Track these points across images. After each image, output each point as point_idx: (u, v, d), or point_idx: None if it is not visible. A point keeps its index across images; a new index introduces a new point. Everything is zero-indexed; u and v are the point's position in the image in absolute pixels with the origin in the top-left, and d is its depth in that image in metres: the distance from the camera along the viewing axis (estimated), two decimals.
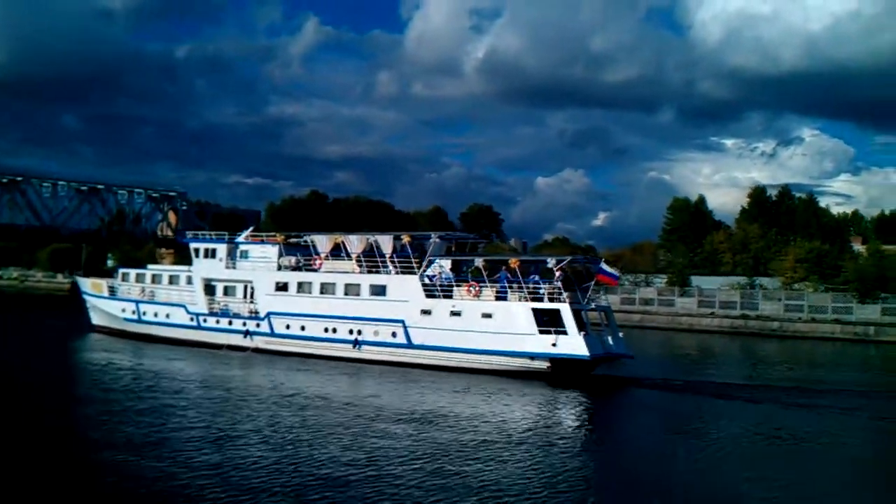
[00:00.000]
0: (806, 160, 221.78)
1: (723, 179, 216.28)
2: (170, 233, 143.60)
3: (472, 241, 45.19)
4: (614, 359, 37.53)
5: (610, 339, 37.55)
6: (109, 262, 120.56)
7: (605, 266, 38.12)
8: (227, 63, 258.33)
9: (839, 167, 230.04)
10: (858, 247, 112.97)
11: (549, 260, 38.53)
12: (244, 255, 46.36)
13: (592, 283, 38.58)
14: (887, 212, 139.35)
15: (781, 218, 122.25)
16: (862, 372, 48.59)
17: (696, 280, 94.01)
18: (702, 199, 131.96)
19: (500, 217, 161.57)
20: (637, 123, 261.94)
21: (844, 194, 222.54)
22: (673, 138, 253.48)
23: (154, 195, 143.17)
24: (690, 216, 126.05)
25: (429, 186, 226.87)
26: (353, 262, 42.22)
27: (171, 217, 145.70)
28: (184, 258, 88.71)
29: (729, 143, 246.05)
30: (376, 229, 46.72)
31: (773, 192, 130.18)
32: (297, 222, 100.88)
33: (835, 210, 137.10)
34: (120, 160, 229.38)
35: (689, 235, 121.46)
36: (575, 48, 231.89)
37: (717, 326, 78.04)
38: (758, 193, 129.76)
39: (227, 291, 46.11)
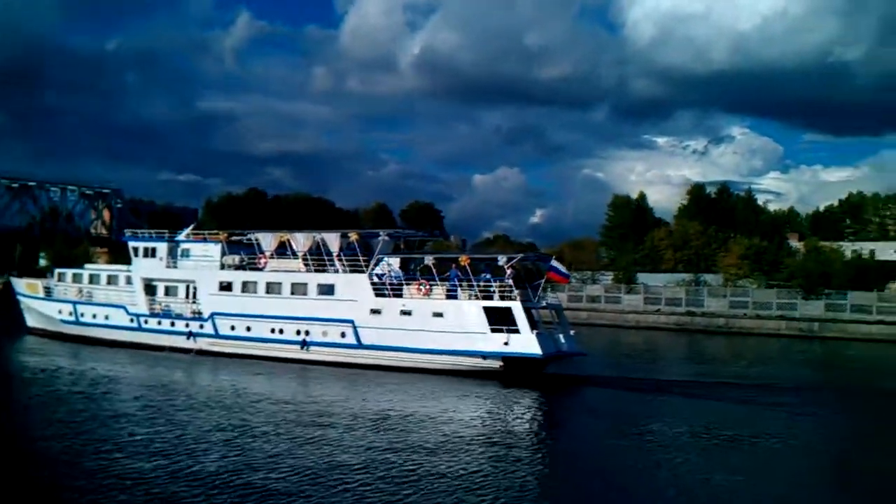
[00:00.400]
0: (736, 158, 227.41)
1: (655, 177, 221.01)
2: (104, 231, 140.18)
3: (420, 239, 45.04)
4: (567, 357, 37.53)
5: (562, 337, 37.53)
6: (42, 262, 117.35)
7: (555, 264, 38.15)
8: (158, 56, 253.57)
9: (769, 165, 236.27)
10: (795, 243, 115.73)
11: (499, 258, 38.25)
12: (185, 253, 45.43)
13: (543, 280, 38.57)
14: (821, 208, 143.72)
15: (720, 215, 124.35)
16: (808, 368, 49.56)
17: (643, 277, 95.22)
18: (642, 196, 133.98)
19: (441, 214, 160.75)
20: (571, 121, 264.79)
21: (774, 191, 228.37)
22: (607, 136, 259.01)
23: (88, 192, 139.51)
24: (631, 213, 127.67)
25: (366, 183, 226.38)
26: (300, 260, 41.46)
27: (105, 215, 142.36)
28: (119, 257, 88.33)
29: (661, 140, 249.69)
30: (318, 227, 46.05)
31: (711, 190, 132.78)
32: (236, 220, 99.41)
33: (768, 207, 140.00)
34: (48, 155, 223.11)
35: (630, 233, 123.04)
36: (509, 44, 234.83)
37: (663, 323, 78.45)
38: (696, 191, 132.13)
39: (169, 291, 45.15)
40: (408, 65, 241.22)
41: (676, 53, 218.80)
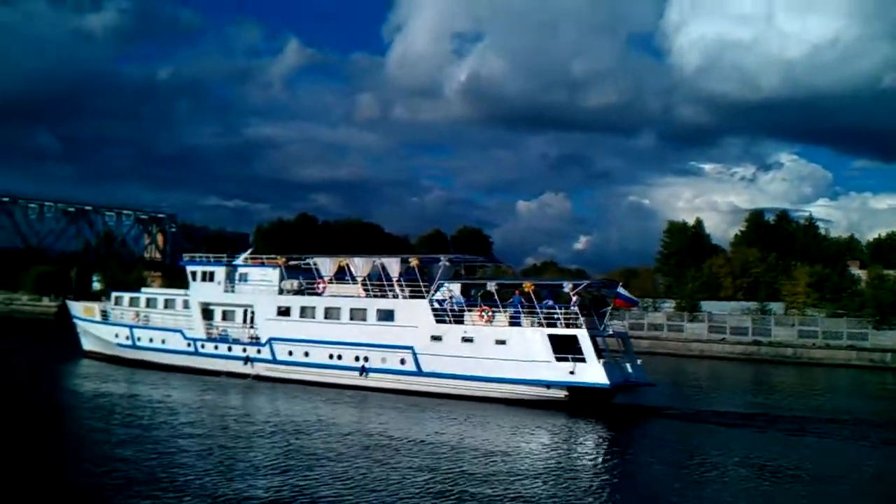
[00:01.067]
0: (785, 185, 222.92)
1: (703, 203, 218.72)
2: (158, 255, 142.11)
3: (481, 264, 44.52)
4: (634, 387, 36.77)
5: (629, 366, 36.69)
6: (96, 285, 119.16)
7: (622, 290, 37.43)
8: (206, 85, 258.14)
9: (818, 192, 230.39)
10: (856, 271, 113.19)
11: (565, 284, 37.70)
12: (243, 278, 45.49)
13: (609, 308, 37.89)
14: (881, 235, 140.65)
15: (780, 242, 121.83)
16: (886, 401, 47.97)
17: (706, 305, 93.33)
18: (699, 223, 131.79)
19: (490, 240, 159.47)
20: (617, 147, 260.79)
21: (824, 219, 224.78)
22: (653, 162, 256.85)
23: (143, 217, 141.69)
24: (688, 239, 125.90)
25: (409, 209, 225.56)
26: (359, 285, 41.28)
27: (159, 239, 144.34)
28: (173, 281, 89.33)
29: (707, 167, 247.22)
30: (370, 252, 45.84)
31: (770, 216, 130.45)
32: (287, 245, 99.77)
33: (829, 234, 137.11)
34: (97, 180, 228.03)
35: (688, 259, 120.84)
36: (556, 72, 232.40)
37: (728, 353, 76.81)
38: (755, 217, 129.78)
39: (226, 316, 45.19)
40: (453, 92, 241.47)
41: (723, 81, 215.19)
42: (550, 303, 37.26)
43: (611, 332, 38.00)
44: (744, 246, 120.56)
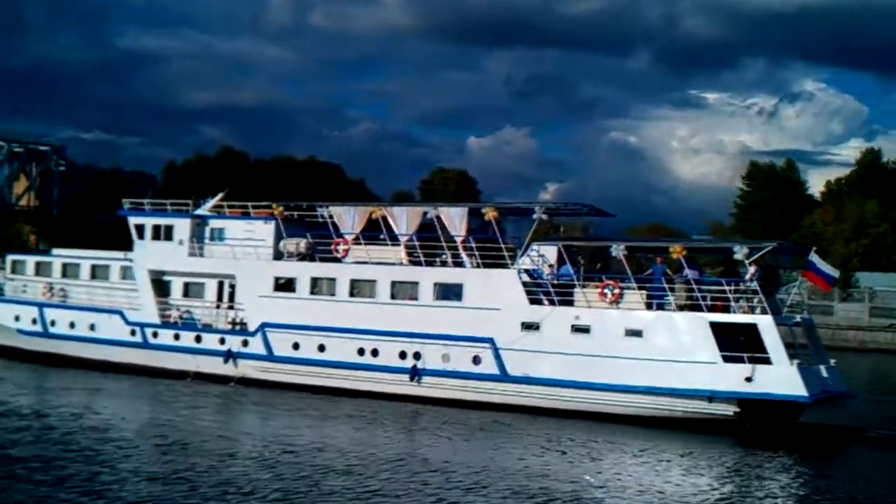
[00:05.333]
0: (808, 120, 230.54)
1: (703, 143, 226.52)
2: (35, 202, 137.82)
3: (586, 214, 43.92)
4: (833, 399, 35.08)
5: (823, 369, 34.79)
6: None
7: (816, 259, 35.26)
8: None
9: (849, 130, 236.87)
10: None
11: (736, 248, 35.59)
12: (218, 235, 44.34)
13: (798, 284, 37.70)
14: None
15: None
16: None
17: (862, 279, 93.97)
18: (791, 165, 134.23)
19: (479, 188, 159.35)
20: (603, 70, 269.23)
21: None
22: (646, 91, 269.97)
23: (17, 150, 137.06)
24: (777, 187, 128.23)
25: (330, 146, 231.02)
26: (402, 247, 39.88)
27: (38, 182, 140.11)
28: (55, 240, 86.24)
29: (712, 97, 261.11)
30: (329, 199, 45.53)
31: (889, 158, 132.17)
32: (202, 188, 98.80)
33: None
34: None
35: (777, 213, 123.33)
36: None
37: None
38: (870, 159, 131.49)
39: (191, 291, 44.08)
40: None
41: None
42: (691, 274, 35.76)
43: (797, 320, 36.31)
44: (853, 196, 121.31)
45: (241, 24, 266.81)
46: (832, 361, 35.87)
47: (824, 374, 34.60)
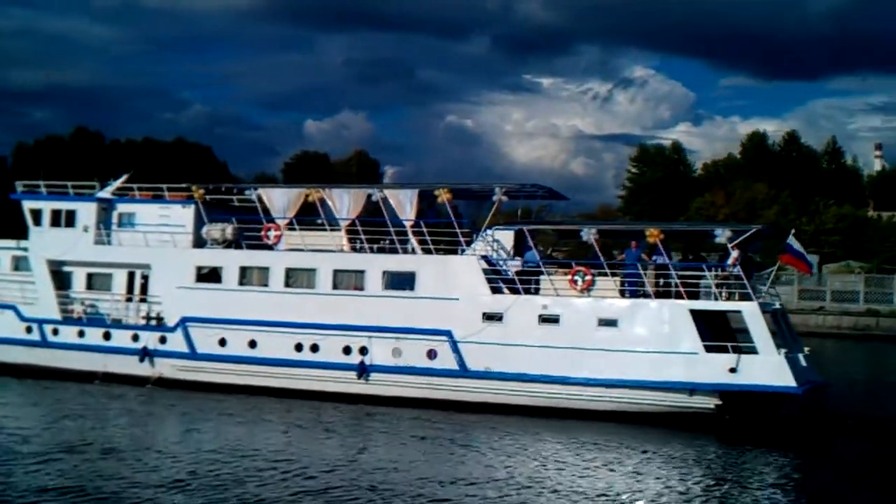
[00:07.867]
0: (639, 106, 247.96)
1: (537, 127, 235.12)
2: None
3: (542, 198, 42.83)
4: (815, 391, 34.45)
5: (801, 358, 34.30)
6: None
7: (793, 242, 34.63)
8: None
9: (677, 115, 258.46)
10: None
11: (718, 231, 35.00)
12: (128, 220, 42.81)
13: (774, 269, 37.01)
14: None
15: (789, 173, 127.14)
16: None
17: None
18: (677, 148, 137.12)
19: (381, 170, 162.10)
20: (442, 54, 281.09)
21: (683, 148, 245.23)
22: (483, 75, 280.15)
23: None
24: (665, 170, 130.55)
25: (161, 129, 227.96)
26: (342, 232, 38.92)
27: None
28: None
29: (546, 82, 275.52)
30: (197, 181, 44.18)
31: (774, 140, 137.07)
32: (60, 170, 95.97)
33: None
34: None
35: (664, 196, 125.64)
36: None
37: (831, 327, 79.37)
38: (757, 141, 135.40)
39: (96, 283, 42.58)
40: None
41: None
42: (660, 260, 35.23)
43: (777, 307, 35.93)
44: (742, 179, 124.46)
45: (69, 1, 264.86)
46: (806, 349, 35.65)
47: (803, 363, 34.27)
